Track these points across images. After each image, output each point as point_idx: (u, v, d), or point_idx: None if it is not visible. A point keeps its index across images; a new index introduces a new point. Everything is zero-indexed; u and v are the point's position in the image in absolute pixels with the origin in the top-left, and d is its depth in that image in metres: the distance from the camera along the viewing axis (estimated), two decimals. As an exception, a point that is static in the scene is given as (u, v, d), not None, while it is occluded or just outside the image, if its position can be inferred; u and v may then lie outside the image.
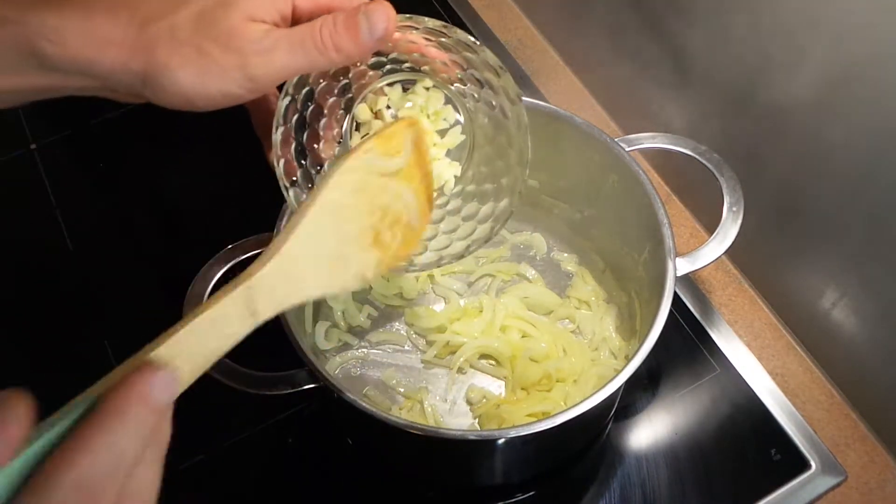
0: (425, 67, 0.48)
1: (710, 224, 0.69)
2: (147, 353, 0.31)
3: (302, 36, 0.41)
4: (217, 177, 0.82)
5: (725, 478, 0.64)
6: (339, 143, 0.50)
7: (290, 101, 0.46)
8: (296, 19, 0.43)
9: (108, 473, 0.29)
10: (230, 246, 0.58)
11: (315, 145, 0.49)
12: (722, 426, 0.66)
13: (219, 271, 0.56)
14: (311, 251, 0.38)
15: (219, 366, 0.52)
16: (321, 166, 0.49)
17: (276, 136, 0.46)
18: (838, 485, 0.64)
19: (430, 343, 0.68)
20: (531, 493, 0.64)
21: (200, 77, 0.41)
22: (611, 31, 0.82)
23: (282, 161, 0.47)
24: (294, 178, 0.48)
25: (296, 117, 0.47)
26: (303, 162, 0.48)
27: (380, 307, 0.71)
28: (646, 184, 0.60)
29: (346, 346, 0.68)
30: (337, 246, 0.40)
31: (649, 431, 0.66)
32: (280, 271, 0.36)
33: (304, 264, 0.38)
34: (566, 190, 0.70)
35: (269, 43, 0.40)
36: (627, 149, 0.62)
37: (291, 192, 0.48)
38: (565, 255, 0.73)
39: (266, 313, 0.36)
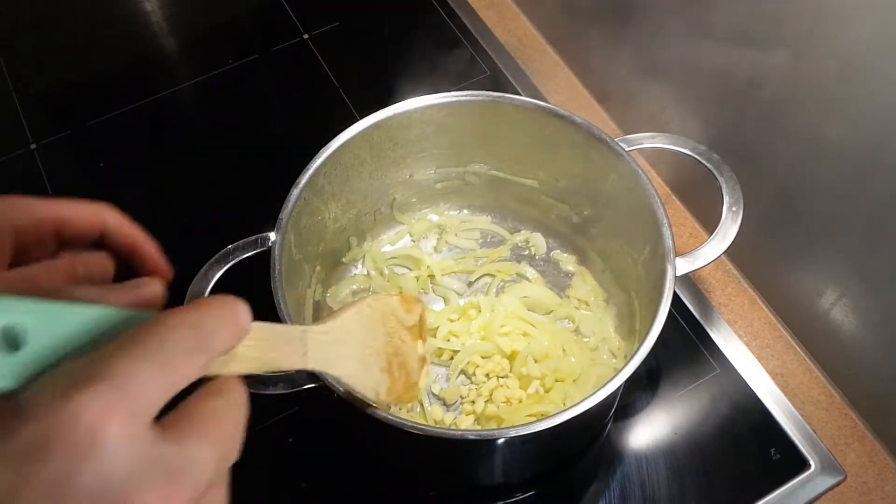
0: None
1: (710, 224, 0.69)
2: None
3: (23, 285, 0.40)
4: (217, 177, 0.82)
5: (725, 477, 0.64)
6: None
7: None
8: (19, 235, 0.42)
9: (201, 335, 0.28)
10: (230, 246, 0.58)
11: None
12: (721, 426, 0.66)
13: (219, 271, 0.56)
14: (346, 339, 0.46)
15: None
16: None
17: None
18: (837, 484, 0.64)
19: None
20: (531, 493, 0.64)
21: None
22: (611, 31, 0.82)
23: None
24: None
25: None
26: None
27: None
28: (646, 184, 0.60)
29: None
30: (362, 349, 0.48)
31: (649, 431, 0.66)
32: (325, 337, 0.43)
33: (340, 347, 0.45)
34: (566, 190, 0.70)
35: None
36: (627, 149, 0.62)
37: None
38: (565, 255, 0.74)
39: (312, 363, 0.41)
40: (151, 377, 0.26)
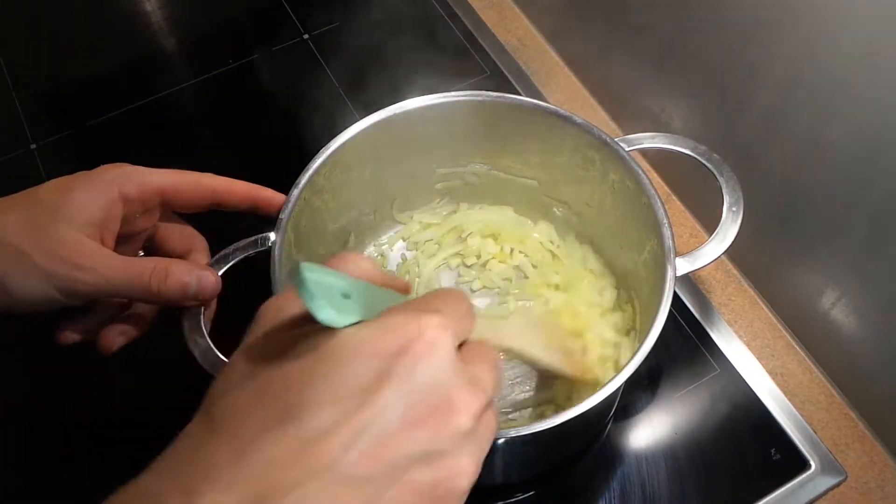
0: None
1: (710, 224, 0.69)
2: None
3: (130, 276, 0.46)
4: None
5: (725, 477, 0.64)
6: None
7: None
8: (127, 204, 0.50)
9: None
10: (230, 246, 0.58)
11: None
12: (721, 426, 0.66)
13: (219, 271, 0.56)
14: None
15: (217, 364, 0.52)
16: None
17: None
18: (838, 485, 0.64)
19: None
20: (531, 493, 0.64)
21: (24, 281, 0.45)
22: (611, 31, 0.82)
23: None
24: None
25: None
26: None
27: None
28: (646, 184, 0.60)
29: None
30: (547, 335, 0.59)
31: (649, 431, 0.66)
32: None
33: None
34: (566, 190, 0.70)
35: (96, 266, 0.46)
36: (627, 149, 0.62)
37: None
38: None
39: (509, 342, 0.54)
40: (459, 318, 0.35)
